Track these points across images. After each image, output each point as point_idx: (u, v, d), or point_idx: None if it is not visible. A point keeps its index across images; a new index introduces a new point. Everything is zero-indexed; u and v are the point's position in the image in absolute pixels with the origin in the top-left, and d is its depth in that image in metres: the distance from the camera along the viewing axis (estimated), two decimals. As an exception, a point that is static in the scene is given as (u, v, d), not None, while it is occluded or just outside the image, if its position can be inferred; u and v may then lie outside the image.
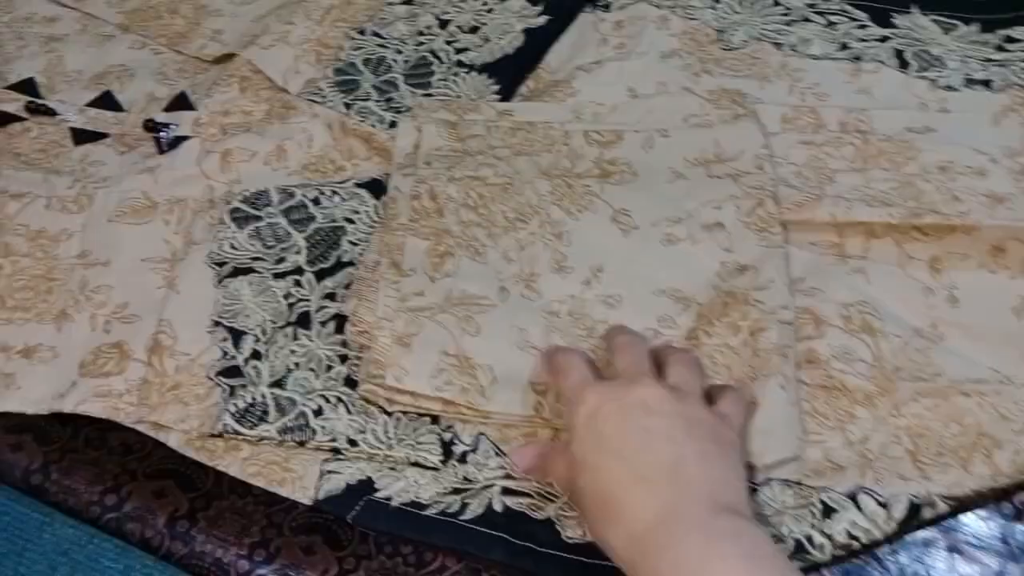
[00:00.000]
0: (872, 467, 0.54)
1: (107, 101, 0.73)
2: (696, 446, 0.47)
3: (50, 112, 0.72)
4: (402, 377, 0.56)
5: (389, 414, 0.56)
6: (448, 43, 0.75)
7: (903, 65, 0.73)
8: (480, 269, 0.60)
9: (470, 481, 0.55)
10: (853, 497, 0.53)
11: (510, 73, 0.73)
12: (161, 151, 0.69)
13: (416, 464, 0.55)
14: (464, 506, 0.54)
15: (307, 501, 0.55)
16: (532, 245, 0.62)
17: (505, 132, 0.68)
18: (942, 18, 0.75)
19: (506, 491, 0.54)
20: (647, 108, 0.69)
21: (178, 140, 0.69)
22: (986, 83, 0.70)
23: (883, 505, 0.52)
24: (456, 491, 0.54)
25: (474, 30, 0.76)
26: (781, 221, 0.62)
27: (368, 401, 0.57)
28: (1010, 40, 0.73)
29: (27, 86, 0.74)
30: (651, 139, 0.67)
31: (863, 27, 0.75)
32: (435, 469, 0.55)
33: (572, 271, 0.61)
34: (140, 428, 0.58)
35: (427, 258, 0.61)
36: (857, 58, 0.73)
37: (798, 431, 0.54)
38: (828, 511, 0.53)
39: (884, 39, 0.74)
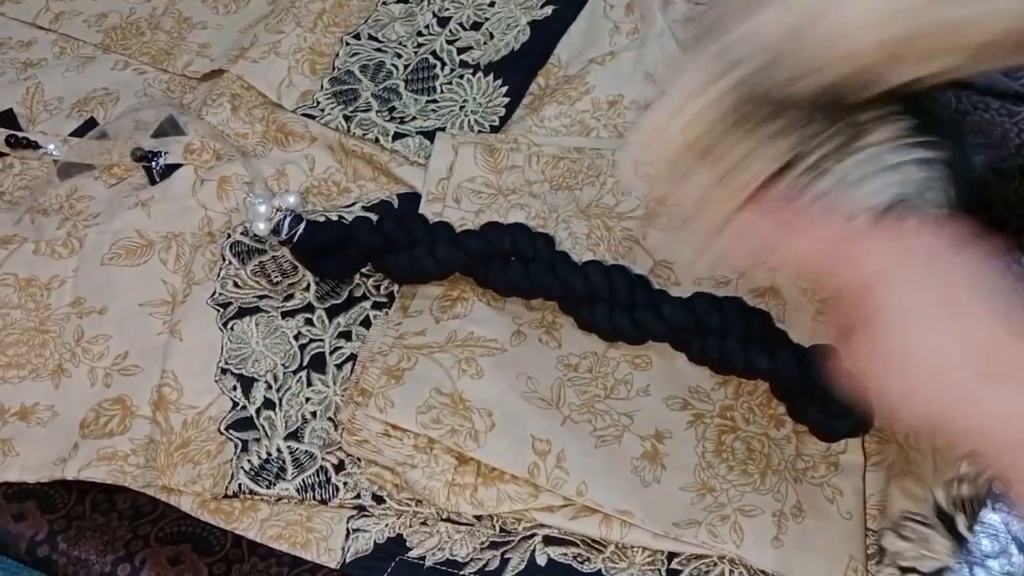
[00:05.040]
0: None
1: (92, 129, 0.68)
2: None
3: (32, 145, 0.68)
4: (387, 409, 0.51)
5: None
6: (449, 42, 0.70)
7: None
8: (494, 314, 0.55)
9: (508, 533, 0.51)
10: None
11: (519, 72, 0.68)
12: (153, 182, 0.64)
13: (449, 520, 0.51)
14: (504, 562, 0.50)
15: (333, 564, 0.51)
16: None
17: (547, 162, 0.61)
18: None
19: (549, 540, 0.50)
20: None
21: (170, 168, 0.65)
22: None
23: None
24: (494, 545, 0.50)
25: (476, 26, 0.71)
26: None
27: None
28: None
29: (6, 118, 0.69)
30: None
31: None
32: (470, 525, 0.51)
33: None
34: (149, 492, 0.54)
35: (438, 302, 0.56)
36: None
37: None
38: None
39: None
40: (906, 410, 0.39)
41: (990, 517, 0.50)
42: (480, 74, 0.68)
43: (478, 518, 0.51)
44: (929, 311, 0.39)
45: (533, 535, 0.50)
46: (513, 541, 0.50)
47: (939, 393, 0.38)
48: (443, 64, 0.69)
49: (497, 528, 0.51)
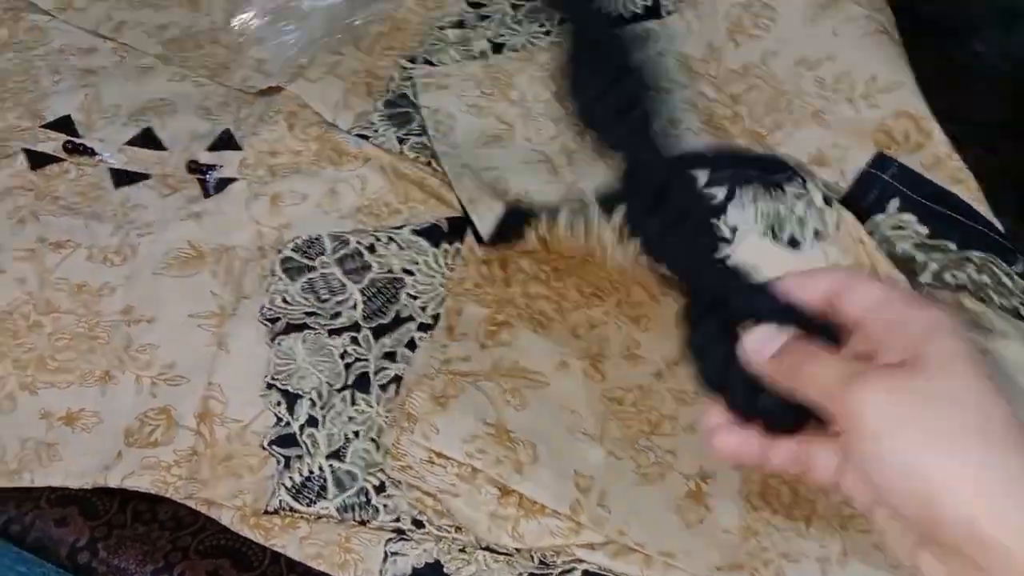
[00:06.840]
0: None
1: (148, 139, 0.69)
2: None
3: (89, 152, 0.69)
4: (431, 435, 0.51)
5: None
6: (504, 69, 0.70)
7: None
8: (540, 343, 0.55)
9: (547, 565, 0.50)
10: None
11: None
12: (207, 194, 0.65)
13: (488, 548, 0.51)
14: (543, 595, 0.50)
15: (370, 587, 0.51)
16: (604, 325, 0.56)
17: None
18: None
19: (588, 575, 0.50)
20: None
21: (224, 182, 0.65)
22: None
23: None
24: (533, 577, 0.50)
25: (531, 54, 0.71)
26: None
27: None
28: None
29: (63, 124, 0.70)
30: None
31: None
32: (508, 555, 0.50)
33: (643, 360, 0.55)
34: (191, 504, 0.54)
35: (484, 326, 0.56)
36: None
37: None
38: None
39: None
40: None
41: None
42: (534, 102, 0.68)
43: (517, 549, 0.50)
44: None
45: (572, 569, 0.50)
46: (552, 574, 0.50)
47: None
48: (497, 90, 0.69)
49: (536, 560, 0.50)
